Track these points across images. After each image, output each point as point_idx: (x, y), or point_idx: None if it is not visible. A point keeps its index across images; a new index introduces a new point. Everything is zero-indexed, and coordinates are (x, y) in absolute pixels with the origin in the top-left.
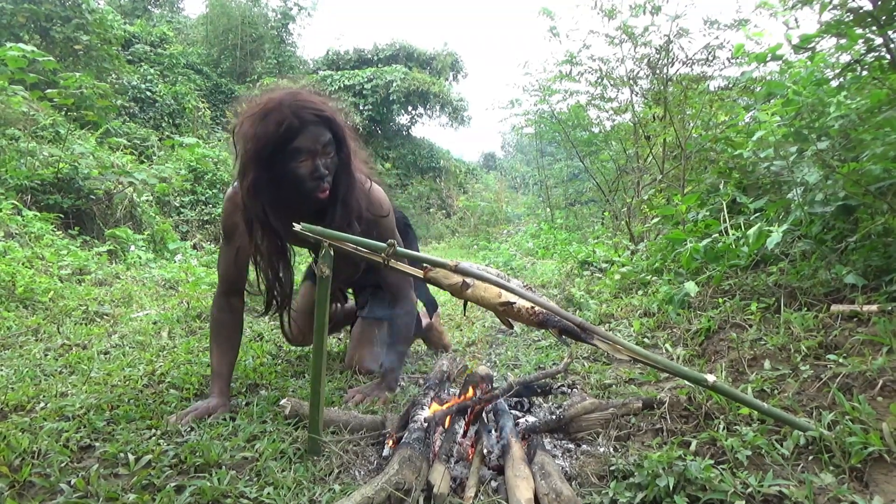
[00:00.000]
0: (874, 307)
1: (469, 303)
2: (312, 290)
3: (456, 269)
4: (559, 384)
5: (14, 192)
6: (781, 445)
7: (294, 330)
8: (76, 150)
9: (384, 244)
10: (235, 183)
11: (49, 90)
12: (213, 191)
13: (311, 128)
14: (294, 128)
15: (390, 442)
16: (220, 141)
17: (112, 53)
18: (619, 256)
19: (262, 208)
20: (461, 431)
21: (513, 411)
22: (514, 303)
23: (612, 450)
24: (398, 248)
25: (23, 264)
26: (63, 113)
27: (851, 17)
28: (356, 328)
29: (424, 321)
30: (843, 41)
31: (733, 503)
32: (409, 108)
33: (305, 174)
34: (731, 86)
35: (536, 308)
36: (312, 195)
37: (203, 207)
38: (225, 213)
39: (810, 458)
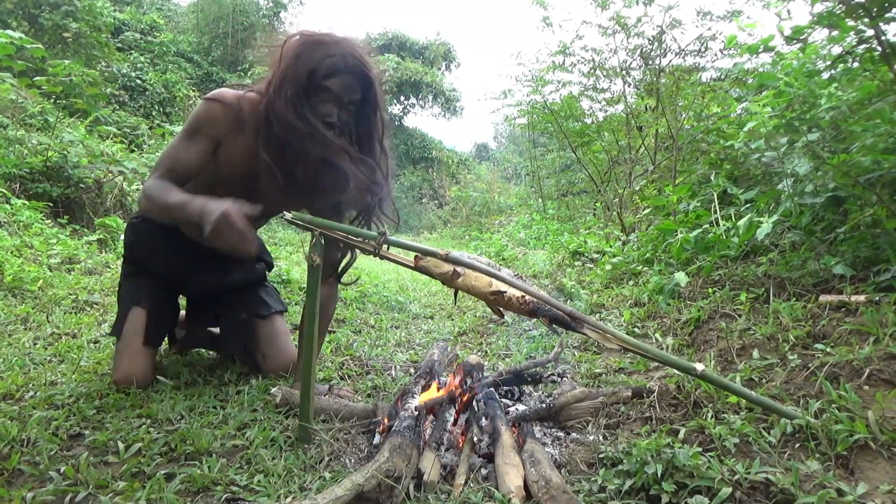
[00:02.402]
0: (862, 297)
1: (460, 292)
2: (142, 317)
3: (447, 259)
4: (550, 373)
5: (2, 181)
6: (769, 433)
7: (123, 367)
8: (65, 138)
9: (374, 233)
10: (241, 90)
11: (37, 78)
12: None
13: (350, 78)
14: (337, 67)
15: (381, 427)
16: None
17: (101, 41)
18: (611, 247)
19: (301, 124)
20: (451, 420)
21: (503, 400)
22: (505, 292)
23: (601, 438)
24: (389, 238)
25: (11, 253)
26: (52, 101)
27: (843, 9)
28: (269, 328)
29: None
30: (834, 33)
31: (720, 490)
32: (402, 98)
33: (320, 115)
34: (723, 77)
35: (527, 297)
36: (317, 136)
37: None
38: (214, 120)
39: (797, 445)
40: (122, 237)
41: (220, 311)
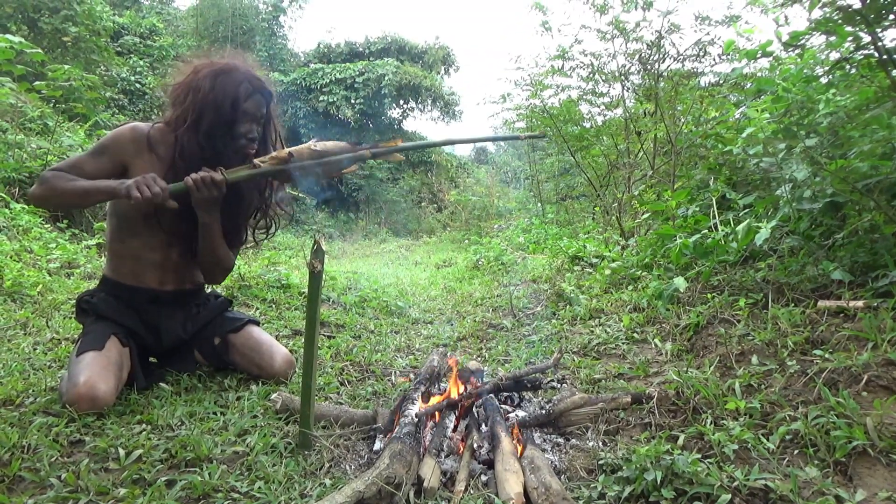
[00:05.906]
0: (860, 303)
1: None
2: (118, 347)
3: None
4: (549, 379)
5: (2, 185)
6: (767, 440)
7: (83, 387)
8: (65, 142)
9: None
10: (151, 123)
11: (37, 82)
12: None
13: (258, 97)
14: (250, 91)
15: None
16: None
17: (101, 45)
18: (610, 251)
19: (211, 151)
20: (451, 426)
21: (503, 406)
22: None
23: (600, 444)
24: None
25: (11, 257)
26: (51, 105)
27: (840, 15)
28: (249, 339)
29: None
30: (832, 39)
31: (720, 497)
32: (401, 102)
33: (242, 133)
34: (721, 82)
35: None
36: (241, 151)
37: None
38: (121, 140)
39: (795, 452)
40: (75, 314)
41: (195, 346)
